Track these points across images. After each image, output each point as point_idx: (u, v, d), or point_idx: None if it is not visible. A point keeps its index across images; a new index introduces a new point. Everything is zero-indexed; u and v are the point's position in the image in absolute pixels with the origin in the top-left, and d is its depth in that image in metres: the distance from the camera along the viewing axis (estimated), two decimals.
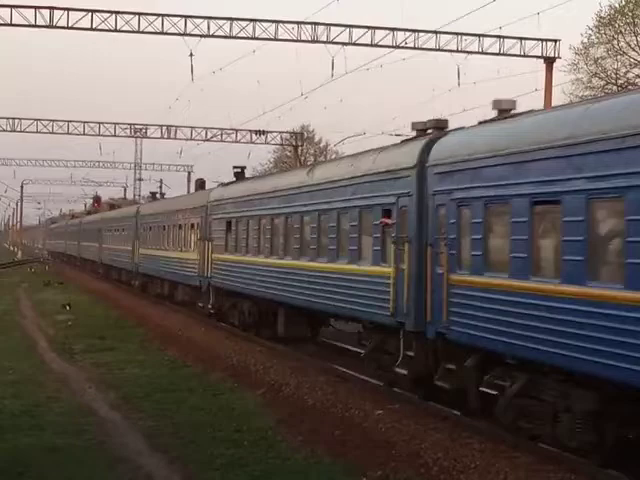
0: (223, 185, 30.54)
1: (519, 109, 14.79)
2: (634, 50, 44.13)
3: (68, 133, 57.88)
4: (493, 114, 15.19)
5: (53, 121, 57.61)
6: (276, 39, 36.94)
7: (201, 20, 36.62)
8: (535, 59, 37.24)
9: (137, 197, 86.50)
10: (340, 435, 13.69)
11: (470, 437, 13.44)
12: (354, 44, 36.79)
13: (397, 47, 36.55)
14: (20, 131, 56.68)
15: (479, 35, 37.21)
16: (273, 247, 23.02)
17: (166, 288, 38.18)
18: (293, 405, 16.04)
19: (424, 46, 36.97)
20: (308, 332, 23.87)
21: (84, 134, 58.38)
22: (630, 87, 40.74)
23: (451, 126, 16.81)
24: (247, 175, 32.34)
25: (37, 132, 57.33)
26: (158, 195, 51.42)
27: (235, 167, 30.77)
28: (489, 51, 37.27)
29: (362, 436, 13.62)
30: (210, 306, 29.34)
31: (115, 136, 60.13)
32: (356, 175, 18.07)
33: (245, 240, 25.45)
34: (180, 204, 35.98)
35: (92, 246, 61.70)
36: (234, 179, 30.28)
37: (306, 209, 20.72)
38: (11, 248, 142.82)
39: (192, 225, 32.38)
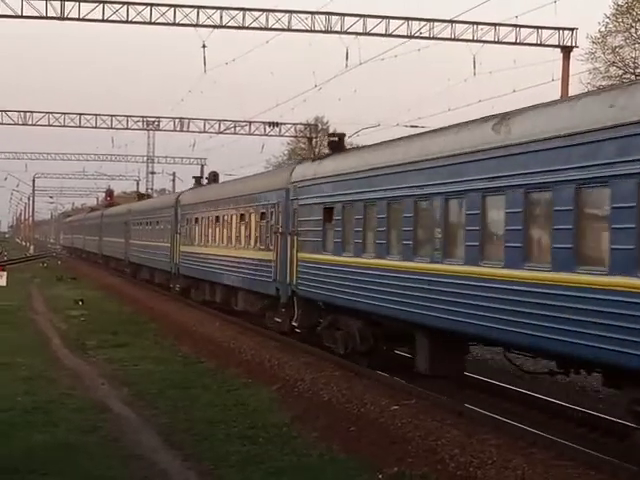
0: (312, 160, 23.37)
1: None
2: None
3: (80, 126, 57.84)
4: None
5: (65, 114, 57.57)
6: (289, 29, 36.80)
7: (213, 10, 36.51)
8: (552, 48, 37.02)
9: (149, 190, 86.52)
10: (356, 431, 13.58)
11: (487, 433, 13.31)
12: (368, 34, 36.60)
13: (412, 37, 36.36)
14: (31, 124, 56.68)
15: (495, 24, 37.03)
16: (417, 244, 15.98)
17: (218, 294, 30.96)
18: (308, 401, 15.92)
19: (439, 36, 36.81)
20: (463, 367, 16.98)
21: (96, 127, 58.36)
22: None
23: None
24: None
25: (49, 125, 57.29)
26: (205, 181, 41.51)
27: (331, 135, 23.68)
28: (505, 40, 37.05)
29: (378, 432, 13.50)
30: (296, 324, 22.33)
31: (127, 129, 60.14)
32: (629, 120, 10.81)
33: (360, 234, 18.32)
34: (243, 188, 28.43)
35: (117, 242, 55.33)
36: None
37: (494, 185, 13.51)
38: (23, 243, 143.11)
39: (262, 215, 25.10)
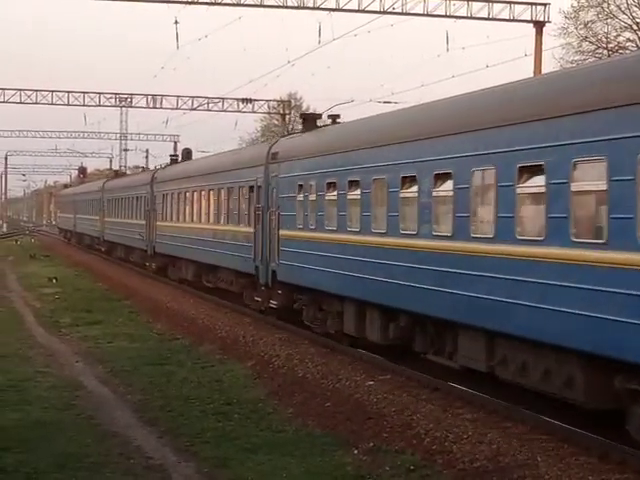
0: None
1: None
2: (624, 13, 43.77)
3: (52, 104, 57.29)
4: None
5: (37, 91, 57.00)
6: (262, 5, 36.49)
7: None
8: (525, 23, 36.96)
9: (123, 167, 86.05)
10: (331, 407, 13.60)
11: (461, 407, 13.38)
12: (341, 10, 36.35)
13: (385, 12, 36.10)
14: (3, 102, 56.11)
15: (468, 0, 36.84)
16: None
17: None
18: (283, 377, 15.91)
19: (412, 11, 36.59)
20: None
21: (68, 104, 57.84)
22: (620, 51, 40.40)
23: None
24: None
25: (20, 102, 56.68)
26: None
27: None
28: (478, 16, 36.96)
29: (353, 407, 13.53)
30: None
31: (100, 106, 59.62)
32: None
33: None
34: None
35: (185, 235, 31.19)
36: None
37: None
38: None
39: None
